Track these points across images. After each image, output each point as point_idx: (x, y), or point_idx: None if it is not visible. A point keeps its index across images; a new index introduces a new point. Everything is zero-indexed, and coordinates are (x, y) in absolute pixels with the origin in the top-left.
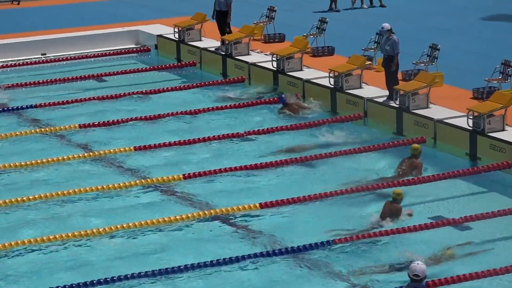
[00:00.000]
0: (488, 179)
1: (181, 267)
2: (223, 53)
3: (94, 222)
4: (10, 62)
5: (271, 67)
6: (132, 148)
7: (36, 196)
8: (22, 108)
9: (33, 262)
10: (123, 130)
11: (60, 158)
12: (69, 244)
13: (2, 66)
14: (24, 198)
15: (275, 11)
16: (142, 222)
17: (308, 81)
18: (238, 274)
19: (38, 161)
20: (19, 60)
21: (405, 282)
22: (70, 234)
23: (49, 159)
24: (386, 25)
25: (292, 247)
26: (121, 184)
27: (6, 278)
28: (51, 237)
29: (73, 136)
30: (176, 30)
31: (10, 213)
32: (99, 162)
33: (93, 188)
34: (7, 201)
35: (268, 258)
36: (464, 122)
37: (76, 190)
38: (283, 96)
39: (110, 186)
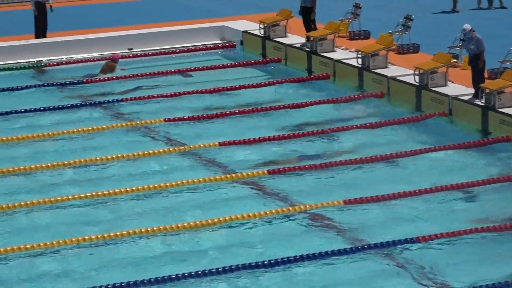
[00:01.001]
0: None
1: (265, 262)
2: (308, 50)
3: (180, 217)
4: (97, 56)
5: (356, 64)
6: (217, 143)
7: (126, 189)
8: (108, 102)
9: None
10: (208, 125)
11: (146, 152)
12: (166, 237)
13: (89, 60)
14: (116, 191)
15: (360, 7)
16: (227, 218)
17: (393, 78)
18: (321, 269)
19: (124, 155)
20: (107, 54)
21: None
22: (167, 227)
23: (135, 153)
24: (467, 26)
25: (374, 244)
26: (206, 179)
27: (77, 272)
28: (145, 229)
29: (158, 131)
30: (262, 26)
31: (99, 206)
32: (185, 157)
33: (178, 182)
34: (99, 193)
35: (350, 255)
36: None
37: (162, 185)
38: None
39: (195, 180)
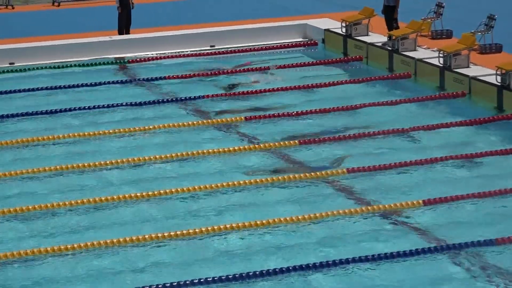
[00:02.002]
0: None
1: (343, 260)
2: (390, 49)
3: (257, 214)
4: (180, 53)
5: (438, 64)
6: (297, 142)
7: (203, 186)
8: (189, 98)
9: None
10: (289, 123)
11: (226, 149)
12: (255, 232)
13: (173, 57)
14: (194, 187)
15: (443, 7)
16: (306, 216)
17: (474, 78)
18: (397, 269)
19: (204, 151)
20: (189, 51)
21: None
22: (260, 222)
23: (214, 150)
24: None
25: (453, 244)
26: (285, 177)
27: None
28: (237, 224)
29: (239, 128)
30: (344, 24)
31: (178, 202)
32: (264, 155)
33: (257, 180)
34: (180, 189)
35: (428, 255)
36: None
37: (241, 182)
38: None
39: (274, 178)
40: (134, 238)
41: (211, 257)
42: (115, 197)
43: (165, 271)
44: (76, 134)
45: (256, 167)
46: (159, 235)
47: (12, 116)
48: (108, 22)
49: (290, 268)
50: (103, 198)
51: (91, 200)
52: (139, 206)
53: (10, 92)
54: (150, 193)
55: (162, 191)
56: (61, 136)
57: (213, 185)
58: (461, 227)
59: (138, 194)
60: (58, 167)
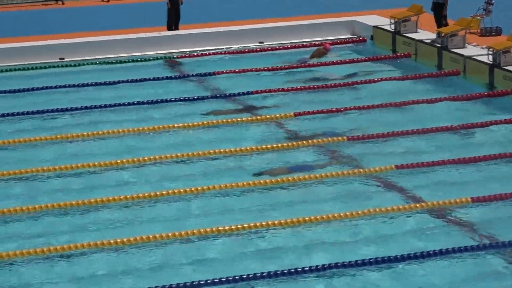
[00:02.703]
0: None
1: (391, 258)
2: (439, 46)
3: (304, 210)
4: (229, 50)
5: (487, 61)
6: (345, 138)
7: (246, 183)
8: (238, 94)
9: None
10: (337, 120)
11: (274, 145)
12: (299, 229)
13: (221, 53)
14: (238, 183)
15: (492, 4)
16: (353, 213)
17: None
18: (446, 266)
19: (253, 147)
20: (237, 47)
21: None
22: (309, 218)
23: (263, 146)
24: None
25: (502, 242)
26: (333, 173)
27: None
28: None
29: (287, 124)
30: (392, 21)
31: (226, 198)
32: (313, 151)
33: (307, 176)
34: (222, 185)
35: (477, 252)
36: None
37: (295, 178)
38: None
39: (322, 175)
40: (197, 231)
41: (259, 252)
42: (158, 192)
43: (215, 267)
44: (124, 130)
45: (304, 163)
46: (209, 229)
47: (62, 110)
48: (157, 18)
49: (339, 264)
50: (146, 194)
51: (152, 194)
52: (189, 201)
53: (60, 87)
54: (198, 188)
55: (211, 187)
56: (105, 132)
57: (261, 181)
58: (510, 224)
59: (187, 190)
60: (108, 162)
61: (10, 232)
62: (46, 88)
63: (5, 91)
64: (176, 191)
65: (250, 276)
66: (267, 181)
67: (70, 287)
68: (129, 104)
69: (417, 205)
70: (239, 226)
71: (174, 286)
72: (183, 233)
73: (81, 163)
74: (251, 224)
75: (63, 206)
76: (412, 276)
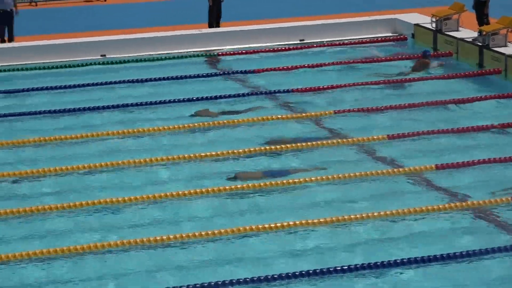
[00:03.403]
0: None
1: (431, 257)
2: (480, 44)
3: (342, 209)
4: (270, 47)
5: None
6: (385, 136)
7: (286, 181)
8: (278, 92)
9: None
10: (377, 118)
11: (314, 143)
12: (336, 228)
13: (262, 51)
14: (278, 182)
15: None
16: (394, 211)
17: None
18: (488, 266)
19: (293, 145)
20: (278, 45)
21: None
22: (338, 218)
23: (303, 144)
24: None
25: None
26: (373, 172)
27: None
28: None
29: (327, 122)
30: (434, 19)
31: (272, 195)
32: (352, 149)
33: (346, 175)
34: (274, 182)
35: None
36: None
37: (330, 177)
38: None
39: (362, 173)
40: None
41: (299, 252)
42: (198, 190)
43: (255, 265)
44: (164, 127)
45: (343, 162)
46: (256, 227)
47: (103, 108)
48: (199, 15)
49: (378, 264)
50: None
51: (212, 189)
52: (233, 199)
53: (101, 84)
54: (236, 186)
55: (256, 185)
56: (146, 129)
57: (301, 180)
58: None
59: (233, 187)
60: (155, 158)
61: (43, 229)
62: (88, 85)
63: (47, 88)
64: (221, 188)
65: (290, 274)
66: (306, 179)
67: (101, 285)
68: (169, 101)
69: (458, 204)
70: (278, 225)
71: (206, 285)
72: (223, 231)
73: (116, 161)
74: (290, 223)
75: (97, 203)
76: (453, 275)
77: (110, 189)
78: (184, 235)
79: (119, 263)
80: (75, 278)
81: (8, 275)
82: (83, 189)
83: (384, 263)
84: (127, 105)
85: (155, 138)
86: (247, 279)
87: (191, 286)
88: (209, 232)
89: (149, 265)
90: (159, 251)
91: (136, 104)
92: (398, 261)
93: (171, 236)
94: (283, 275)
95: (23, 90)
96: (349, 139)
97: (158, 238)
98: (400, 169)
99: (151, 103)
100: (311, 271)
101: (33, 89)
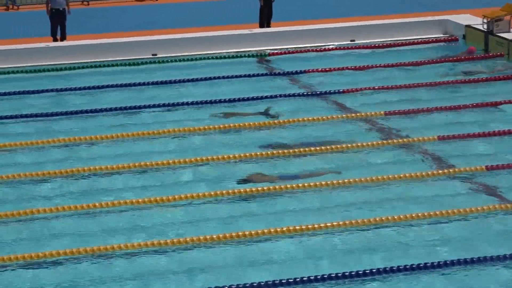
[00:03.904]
0: None
1: (487, 258)
2: None
3: (391, 209)
4: (321, 47)
5: None
6: (435, 137)
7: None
8: (329, 93)
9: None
10: (427, 119)
11: (364, 144)
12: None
13: (313, 51)
14: (328, 182)
15: None
16: (443, 212)
17: None
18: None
19: (343, 146)
20: (329, 45)
21: None
22: (397, 217)
23: (352, 145)
24: None
25: None
26: (423, 173)
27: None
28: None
29: (377, 123)
30: (485, 20)
31: (315, 195)
32: (402, 150)
33: (397, 176)
34: (318, 183)
35: None
36: None
37: (374, 178)
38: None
39: (412, 175)
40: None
41: (340, 252)
42: (248, 189)
43: (295, 265)
44: (213, 126)
45: (394, 162)
46: (310, 226)
47: (149, 107)
48: (250, 15)
49: (434, 264)
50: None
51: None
52: (283, 198)
53: (153, 83)
54: (293, 185)
55: (306, 184)
56: (197, 128)
57: (350, 180)
58: None
59: (282, 187)
60: (204, 158)
61: (71, 229)
62: (139, 84)
63: (98, 87)
64: (290, 186)
65: (325, 276)
66: (356, 180)
67: (126, 286)
68: (219, 101)
69: (508, 205)
70: (321, 225)
71: (233, 286)
72: (247, 233)
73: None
74: (328, 224)
75: (123, 204)
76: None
77: (140, 190)
78: (208, 237)
79: (143, 265)
80: (103, 277)
81: (38, 274)
82: (115, 190)
83: (434, 264)
84: (177, 104)
85: (206, 137)
86: (269, 282)
87: None
88: (233, 234)
89: (173, 267)
90: (183, 252)
91: (187, 104)
92: (448, 262)
93: (195, 238)
94: (305, 278)
95: (75, 89)
96: (400, 140)
97: (182, 240)
98: (450, 170)
99: (201, 103)
100: (368, 270)
101: (88, 88)
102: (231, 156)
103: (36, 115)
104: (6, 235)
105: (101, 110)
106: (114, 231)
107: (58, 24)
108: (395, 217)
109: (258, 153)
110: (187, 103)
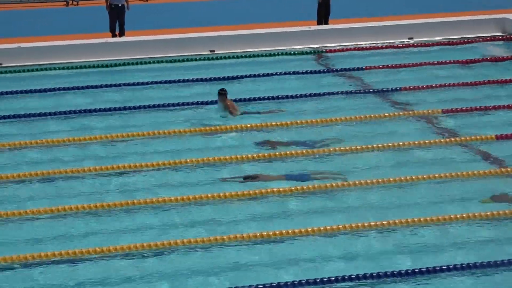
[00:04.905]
0: None
1: None
2: None
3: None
4: (378, 44)
5: None
6: (493, 136)
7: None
8: (386, 90)
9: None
10: (485, 118)
11: (421, 142)
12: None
13: (371, 48)
14: (374, 180)
15: None
16: (501, 212)
17: None
18: None
19: (400, 143)
20: (386, 43)
21: None
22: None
23: (405, 143)
24: None
25: None
26: (480, 172)
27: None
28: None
29: (435, 121)
30: None
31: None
32: (459, 148)
33: (453, 174)
34: (380, 180)
35: None
36: None
37: (430, 176)
38: None
39: (469, 173)
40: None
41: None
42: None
43: (324, 265)
44: (265, 124)
45: (450, 160)
46: (317, 228)
47: (211, 103)
48: (308, 12)
49: (471, 265)
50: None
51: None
52: (342, 195)
53: (210, 79)
54: (351, 182)
55: (369, 181)
56: (249, 125)
57: (401, 178)
58: None
59: (340, 184)
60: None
61: (102, 227)
62: (196, 80)
63: (156, 82)
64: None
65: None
66: (407, 178)
67: (158, 285)
68: (276, 97)
69: None
70: (382, 223)
71: (261, 286)
72: (277, 232)
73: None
74: (372, 223)
75: (156, 202)
76: None
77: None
78: (238, 236)
79: (174, 263)
80: (135, 275)
81: (71, 270)
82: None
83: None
84: (234, 101)
85: (262, 134)
86: (303, 281)
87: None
88: (264, 234)
89: (204, 265)
90: (214, 251)
91: (245, 100)
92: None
93: (225, 237)
94: (339, 277)
95: (133, 84)
96: (457, 138)
97: (212, 238)
98: (508, 169)
99: (259, 99)
100: (423, 269)
101: (144, 83)
102: (283, 153)
103: (105, 109)
104: (39, 232)
105: (158, 106)
106: (145, 228)
107: (117, 20)
108: (465, 215)
109: (316, 150)
110: (244, 100)
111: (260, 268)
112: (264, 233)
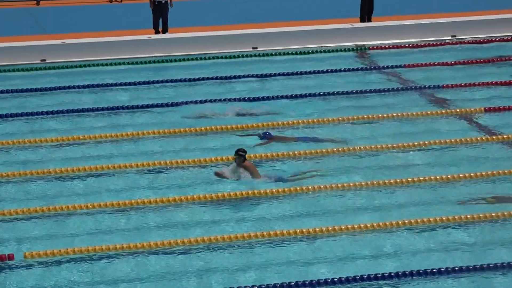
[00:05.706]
0: None
1: None
2: None
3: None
4: (420, 42)
5: None
6: None
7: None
8: (428, 87)
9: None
10: None
11: (463, 139)
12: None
13: (414, 46)
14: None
15: None
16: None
17: None
18: None
19: (441, 141)
20: (429, 40)
21: None
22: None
23: (446, 140)
24: None
25: None
26: (505, 171)
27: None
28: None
29: (477, 119)
30: None
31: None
32: (500, 146)
33: (495, 172)
34: (390, 181)
35: None
36: None
37: (472, 174)
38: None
39: (500, 172)
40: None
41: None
42: (331, 185)
43: (337, 266)
44: (319, 120)
45: (491, 159)
46: (345, 226)
47: (253, 100)
48: (351, 9)
49: (491, 266)
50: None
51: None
52: (361, 195)
53: (252, 76)
54: (380, 181)
55: (394, 181)
56: (300, 121)
57: (435, 177)
58: None
59: (381, 182)
60: (301, 151)
61: (112, 227)
62: (238, 77)
63: (207, 78)
64: (363, 183)
65: (379, 275)
66: (443, 177)
67: (186, 282)
68: (319, 94)
69: None
70: (386, 223)
71: (271, 285)
72: (311, 230)
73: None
74: (400, 221)
75: (184, 200)
76: None
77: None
78: (271, 233)
79: (203, 260)
80: (164, 272)
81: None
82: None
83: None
84: (276, 97)
85: (304, 130)
86: (335, 279)
87: (278, 285)
88: (297, 231)
89: (232, 263)
90: (244, 249)
91: (286, 97)
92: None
93: (259, 234)
94: (365, 276)
95: (180, 80)
96: (499, 136)
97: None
98: None
99: (300, 96)
100: (437, 269)
101: (193, 80)
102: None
103: (148, 106)
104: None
105: (200, 102)
106: (172, 226)
107: (160, 16)
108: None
109: (345, 148)
110: (286, 97)
111: (290, 265)
112: (297, 230)
